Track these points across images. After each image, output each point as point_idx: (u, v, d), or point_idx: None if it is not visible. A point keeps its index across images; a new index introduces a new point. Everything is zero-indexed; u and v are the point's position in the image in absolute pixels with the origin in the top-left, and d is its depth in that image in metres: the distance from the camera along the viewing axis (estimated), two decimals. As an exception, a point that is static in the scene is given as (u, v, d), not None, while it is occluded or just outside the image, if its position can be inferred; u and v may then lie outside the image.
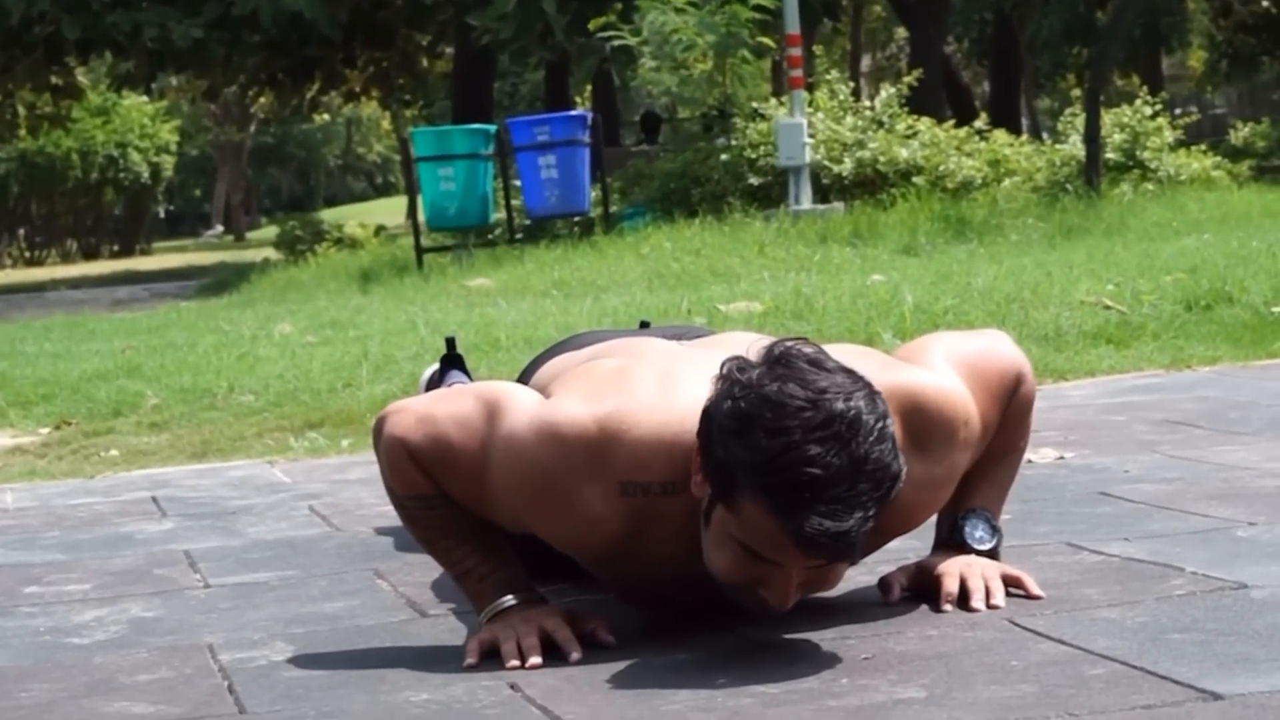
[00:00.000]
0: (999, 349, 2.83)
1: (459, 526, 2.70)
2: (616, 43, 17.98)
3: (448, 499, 2.68)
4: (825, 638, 2.54)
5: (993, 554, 2.79)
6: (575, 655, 2.55)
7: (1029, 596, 2.68)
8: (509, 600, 2.66)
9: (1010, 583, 2.72)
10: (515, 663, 2.53)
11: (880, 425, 2.38)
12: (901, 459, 2.40)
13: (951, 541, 2.80)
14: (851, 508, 2.32)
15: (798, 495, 2.32)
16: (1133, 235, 11.54)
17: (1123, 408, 4.92)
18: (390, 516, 3.97)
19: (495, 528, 2.73)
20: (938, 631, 2.53)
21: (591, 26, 17.73)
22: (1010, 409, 2.80)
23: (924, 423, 2.62)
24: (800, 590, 2.46)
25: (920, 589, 2.74)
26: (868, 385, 2.42)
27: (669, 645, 2.57)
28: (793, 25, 15.21)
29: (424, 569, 3.32)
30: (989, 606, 2.64)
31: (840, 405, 2.36)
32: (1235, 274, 7.39)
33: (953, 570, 2.72)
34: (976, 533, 2.79)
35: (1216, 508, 3.31)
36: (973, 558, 2.76)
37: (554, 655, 2.54)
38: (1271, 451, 3.96)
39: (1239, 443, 4.15)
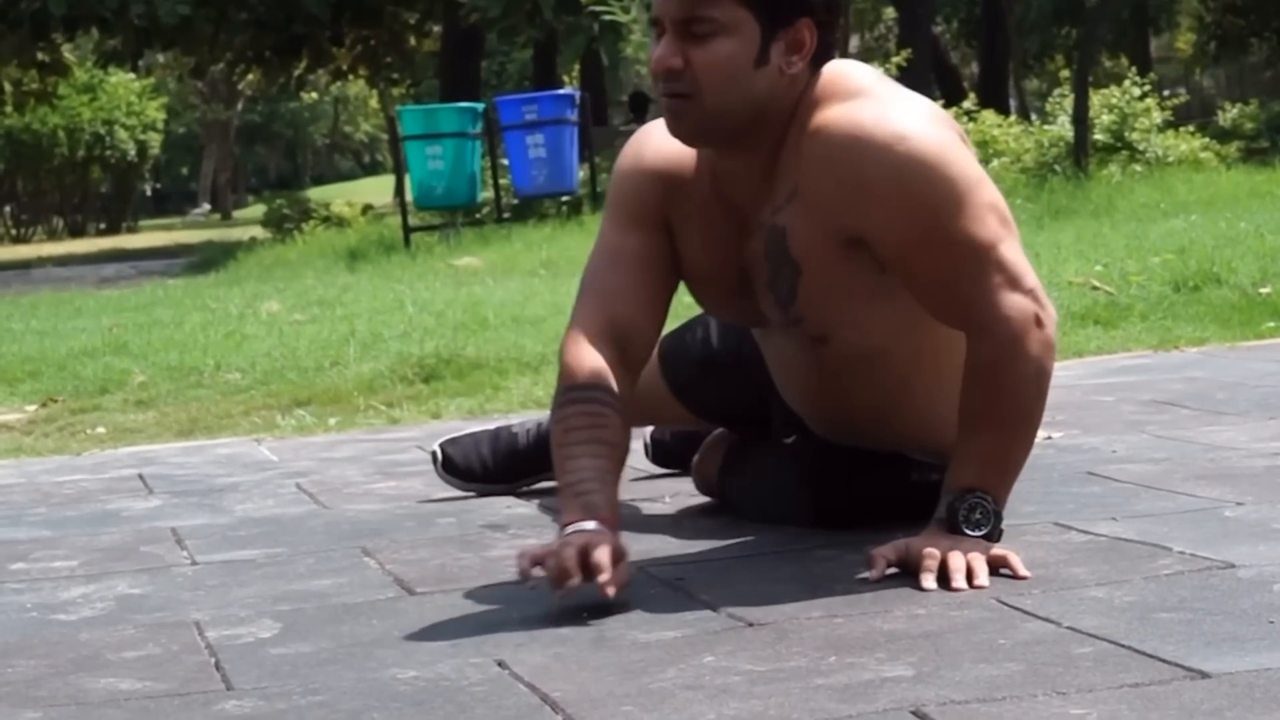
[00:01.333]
0: (1035, 301, 2.78)
1: (592, 435, 2.83)
2: (607, 18, 17.96)
3: (599, 393, 2.86)
4: (813, 616, 2.54)
5: (988, 537, 2.76)
6: (604, 577, 2.61)
7: (1015, 576, 2.68)
8: (586, 525, 2.71)
9: (996, 562, 2.70)
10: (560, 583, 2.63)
11: None
12: None
13: (946, 522, 2.76)
14: None
15: None
16: (1121, 216, 11.55)
17: (1110, 388, 4.93)
18: (377, 495, 3.99)
19: (619, 456, 2.87)
20: (925, 610, 2.53)
21: (584, 0, 17.71)
22: (985, 348, 2.76)
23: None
24: (676, 51, 2.74)
25: (906, 566, 2.74)
26: None
27: (657, 625, 2.57)
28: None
29: (411, 547, 3.32)
30: (971, 586, 2.64)
31: None
32: (1223, 255, 7.40)
33: (936, 550, 2.71)
34: (974, 515, 2.75)
35: (1204, 488, 3.31)
36: (961, 538, 2.74)
37: (543, 635, 2.53)
38: (1258, 432, 3.97)
39: (1226, 423, 4.15)
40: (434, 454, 3.87)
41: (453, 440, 3.87)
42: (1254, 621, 2.33)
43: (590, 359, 2.89)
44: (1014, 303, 2.75)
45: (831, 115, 2.75)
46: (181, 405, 5.97)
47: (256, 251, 17.90)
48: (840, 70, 2.84)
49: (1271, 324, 6.07)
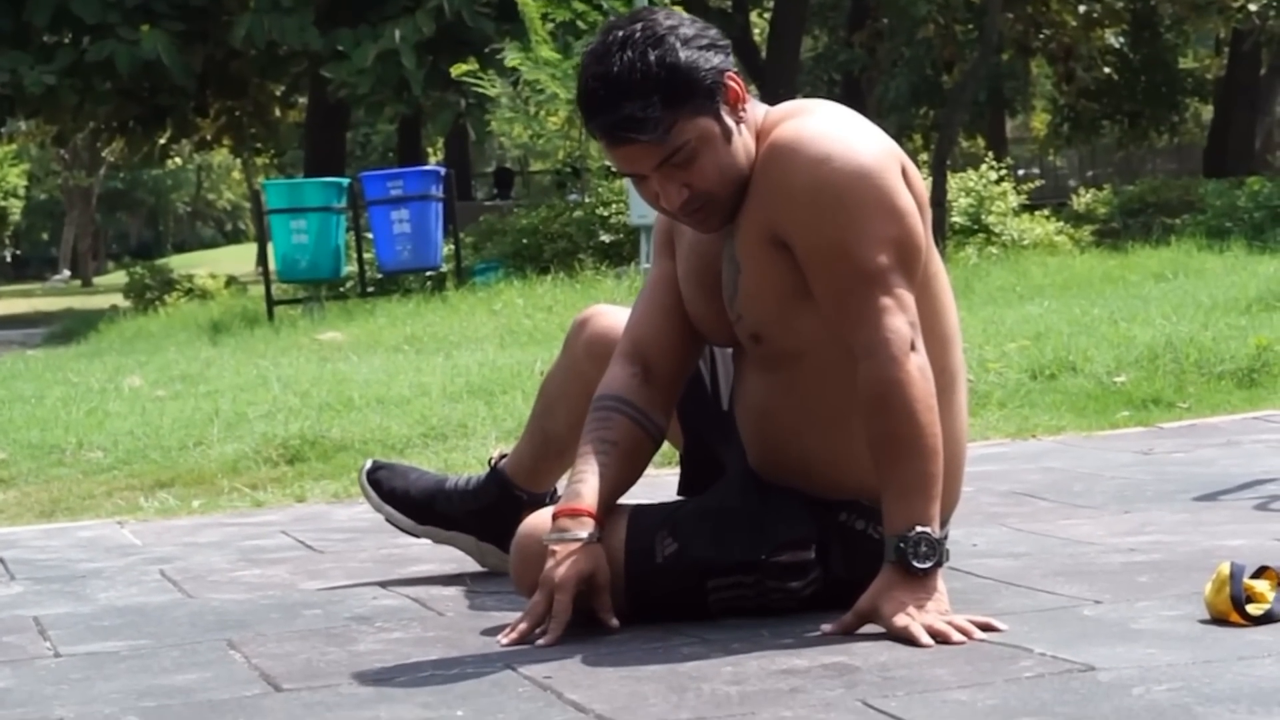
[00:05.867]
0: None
1: (597, 435, 3.24)
2: (477, 89, 18.00)
3: (609, 400, 3.27)
4: (681, 719, 2.57)
5: (939, 564, 3.00)
6: (543, 641, 3.07)
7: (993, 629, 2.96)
8: (567, 531, 3.14)
9: (961, 629, 2.93)
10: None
11: (643, 46, 3.03)
12: (684, 55, 3.03)
13: (898, 564, 2.99)
14: (611, 101, 3.03)
15: (581, 111, 3.11)
16: (978, 299, 11.69)
17: (970, 478, 4.91)
18: (242, 584, 3.97)
19: (622, 450, 3.25)
20: (791, 713, 2.56)
21: (454, 72, 17.75)
22: (869, 368, 3.01)
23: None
24: (678, 186, 3.07)
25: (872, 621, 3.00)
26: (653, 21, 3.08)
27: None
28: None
29: (277, 640, 3.31)
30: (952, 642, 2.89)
31: (604, 37, 3.09)
32: (1078, 342, 7.52)
33: (903, 622, 2.93)
34: (920, 549, 2.98)
35: (1063, 584, 3.36)
36: (915, 583, 2.97)
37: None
38: (1114, 526, 4.04)
39: (1083, 516, 4.22)
40: (364, 465, 3.94)
41: (388, 462, 3.97)
42: (1112, 725, 2.38)
43: (611, 377, 3.32)
44: (896, 324, 3.01)
45: (782, 127, 3.11)
46: (43, 485, 5.92)
47: (118, 323, 17.74)
48: (802, 100, 3.26)
49: (1126, 413, 6.18)
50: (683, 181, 3.07)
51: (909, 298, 3.04)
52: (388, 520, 3.91)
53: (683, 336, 3.34)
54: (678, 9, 3.35)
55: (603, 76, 3.05)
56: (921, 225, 3.11)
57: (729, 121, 3.10)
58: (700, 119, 3.06)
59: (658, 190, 3.10)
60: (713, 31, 3.14)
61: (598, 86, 3.05)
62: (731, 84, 3.10)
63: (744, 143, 3.12)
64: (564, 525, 3.16)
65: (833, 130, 3.08)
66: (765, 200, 3.09)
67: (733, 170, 3.10)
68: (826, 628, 3.02)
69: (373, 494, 3.89)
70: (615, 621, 3.14)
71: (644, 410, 3.28)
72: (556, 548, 3.14)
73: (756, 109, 3.19)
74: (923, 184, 3.19)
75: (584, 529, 3.15)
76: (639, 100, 3.01)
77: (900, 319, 3.01)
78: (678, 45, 3.05)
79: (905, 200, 3.08)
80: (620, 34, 3.07)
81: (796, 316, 3.12)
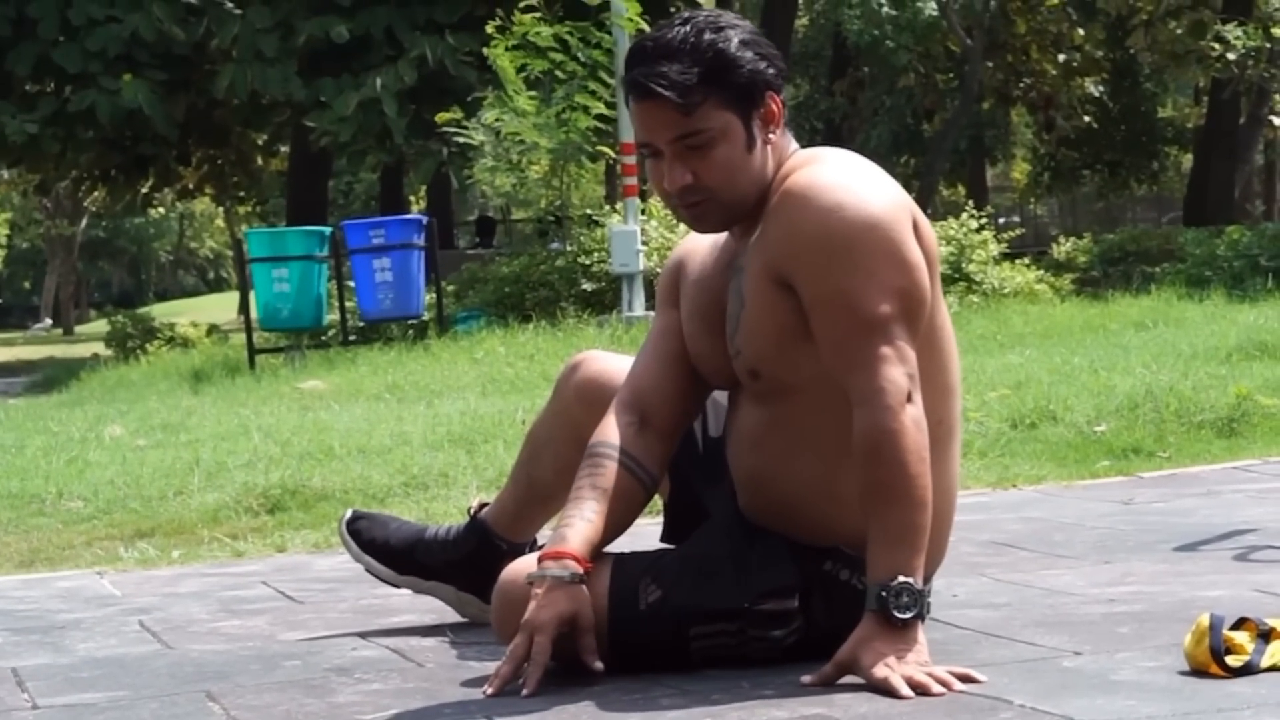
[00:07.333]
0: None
1: (588, 482, 3.24)
2: (461, 139, 18.02)
3: (602, 448, 3.26)
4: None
5: (920, 616, 3.00)
6: (525, 692, 3.01)
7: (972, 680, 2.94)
8: (549, 570, 3.12)
9: (943, 682, 2.91)
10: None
11: (703, 28, 3.14)
12: (735, 48, 3.12)
13: (879, 613, 2.98)
14: (654, 58, 3.12)
15: (625, 67, 3.19)
16: (959, 348, 11.64)
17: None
18: (221, 635, 3.96)
19: (612, 497, 3.23)
20: (771, 763, 2.55)
21: (440, 119, 17.77)
22: (865, 416, 3.01)
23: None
24: (684, 170, 3.13)
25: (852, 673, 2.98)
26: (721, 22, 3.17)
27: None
28: (627, 134, 15.34)
29: (256, 691, 3.30)
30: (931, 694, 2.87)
31: (673, 18, 3.20)
32: (1059, 392, 7.53)
33: (883, 673, 2.91)
34: (902, 599, 2.98)
35: (1043, 635, 3.36)
36: (896, 635, 2.96)
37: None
38: (1095, 576, 4.04)
39: (1064, 566, 4.23)
40: (343, 515, 3.94)
41: (368, 512, 3.97)
42: (1090, 777, 2.37)
43: (607, 425, 3.31)
44: (893, 374, 3.02)
45: (798, 173, 3.13)
46: (22, 534, 5.90)
47: (99, 371, 17.71)
48: (822, 148, 3.27)
49: (1106, 463, 6.19)
50: (692, 168, 3.15)
51: (909, 350, 3.05)
52: (367, 570, 3.90)
53: (683, 388, 3.35)
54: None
55: (656, 39, 3.17)
56: (928, 278, 3.12)
57: (756, 134, 3.17)
58: (728, 113, 3.14)
59: (665, 171, 3.17)
60: (775, 53, 3.22)
61: (649, 45, 3.17)
62: (772, 103, 3.18)
63: (762, 163, 3.19)
64: (548, 567, 3.15)
65: (846, 179, 3.10)
66: (775, 242, 3.11)
67: (743, 178, 3.16)
68: (806, 679, 3.01)
69: (352, 544, 3.89)
70: (599, 664, 3.11)
71: (638, 459, 3.28)
72: (538, 589, 3.14)
73: (788, 144, 3.25)
74: (934, 237, 3.20)
75: (567, 570, 3.14)
76: (679, 65, 3.11)
77: (898, 369, 3.02)
78: (734, 39, 3.15)
79: (913, 253, 3.09)
80: (687, 15, 3.19)
81: (795, 355, 3.14)
